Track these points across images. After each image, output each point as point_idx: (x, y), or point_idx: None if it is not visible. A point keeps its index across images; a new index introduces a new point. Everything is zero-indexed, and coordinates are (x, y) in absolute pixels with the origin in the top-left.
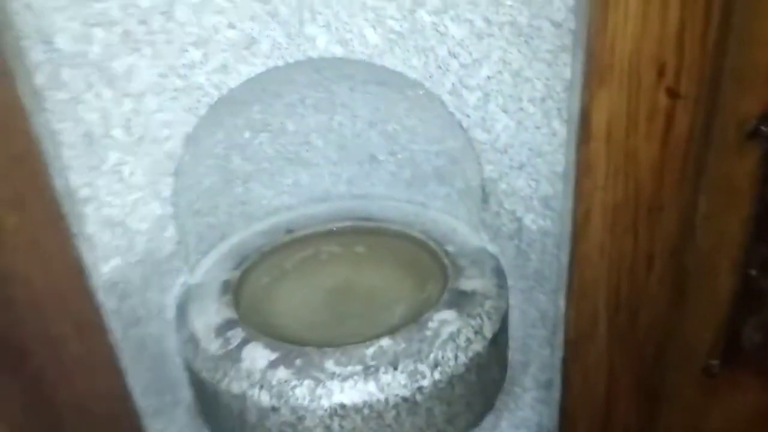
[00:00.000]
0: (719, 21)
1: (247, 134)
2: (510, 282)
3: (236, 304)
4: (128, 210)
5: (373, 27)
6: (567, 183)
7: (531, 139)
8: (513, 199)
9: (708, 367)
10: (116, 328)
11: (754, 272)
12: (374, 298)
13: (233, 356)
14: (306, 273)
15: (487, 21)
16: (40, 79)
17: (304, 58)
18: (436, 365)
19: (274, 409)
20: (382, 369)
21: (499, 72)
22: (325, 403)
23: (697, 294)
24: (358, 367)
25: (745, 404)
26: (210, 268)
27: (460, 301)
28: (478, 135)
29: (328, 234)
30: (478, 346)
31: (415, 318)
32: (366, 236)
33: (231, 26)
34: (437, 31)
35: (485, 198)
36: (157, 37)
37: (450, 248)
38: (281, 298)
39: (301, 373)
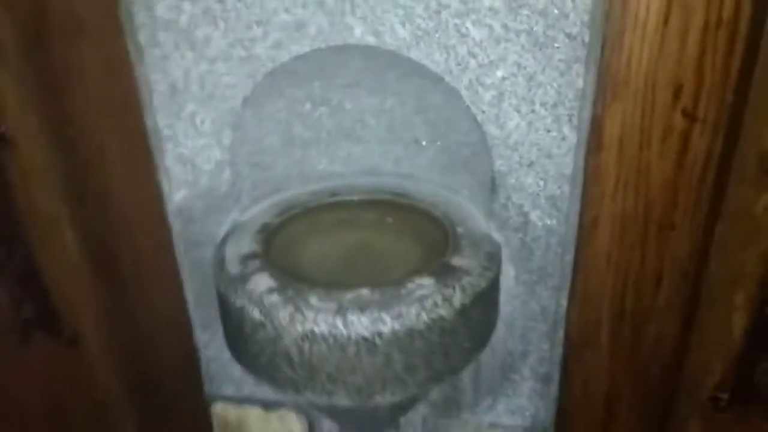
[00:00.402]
0: (743, 51)
1: (308, 106)
2: (513, 273)
3: (267, 242)
4: (197, 151)
5: (402, 23)
6: (574, 186)
7: (541, 141)
8: (521, 194)
9: (716, 399)
10: (179, 247)
11: None
12: (385, 260)
13: (244, 278)
14: (337, 231)
15: (505, 27)
16: (142, 37)
17: (342, 44)
18: (398, 317)
19: (262, 325)
20: (351, 310)
21: (514, 74)
22: (299, 327)
23: (708, 323)
24: (333, 305)
25: None
26: (258, 212)
27: (444, 272)
28: (491, 130)
29: (367, 203)
30: (442, 311)
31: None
32: (397, 210)
33: (286, 11)
34: (459, 31)
35: (494, 189)
36: (229, 14)
37: (460, 230)
38: (308, 246)
39: (287, 301)
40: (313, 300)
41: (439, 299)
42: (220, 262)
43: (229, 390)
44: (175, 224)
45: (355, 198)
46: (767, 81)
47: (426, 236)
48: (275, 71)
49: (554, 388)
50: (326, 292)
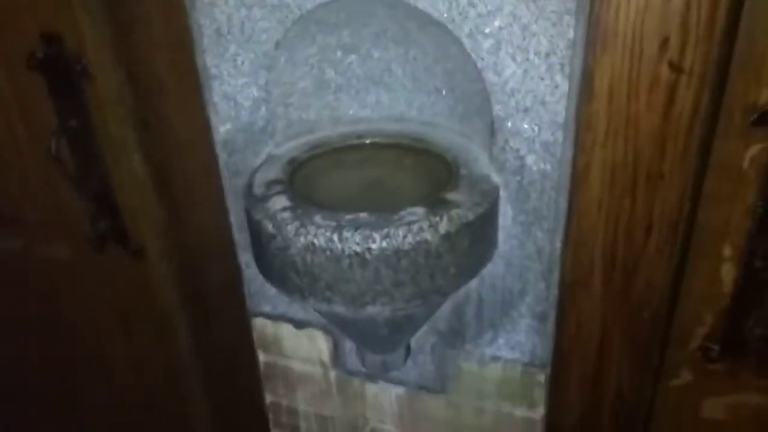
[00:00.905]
0: (728, 5)
1: (339, 53)
2: (510, 214)
3: (292, 172)
4: (238, 89)
5: None
6: (567, 133)
7: (535, 88)
8: (517, 139)
9: (706, 349)
10: (225, 175)
11: (758, 264)
12: (394, 194)
13: (265, 198)
14: (357, 168)
15: None
16: None
17: None
18: (386, 237)
19: (273, 237)
20: (347, 229)
21: (510, 24)
22: (303, 239)
23: (697, 274)
24: (332, 223)
25: (743, 397)
26: (290, 147)
27: (436, 204)
28: (490, 77)
29: (388, 146)
30: (427, 235)
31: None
32: (414, 153)
33: None
34: None
35: (493, 133)
36: None
37: (463, 171)
38: (328, 179)
39: (296, 218)
40: (317, 218)
41: (425, 225)
42: (249, 185)
43: (266, 307)
44: (221, 154)
45: (379, 141)
46: (752, 36)
47: (434, 176)
48: (303, 18)
49: (551, 327)
50: (330, 212)
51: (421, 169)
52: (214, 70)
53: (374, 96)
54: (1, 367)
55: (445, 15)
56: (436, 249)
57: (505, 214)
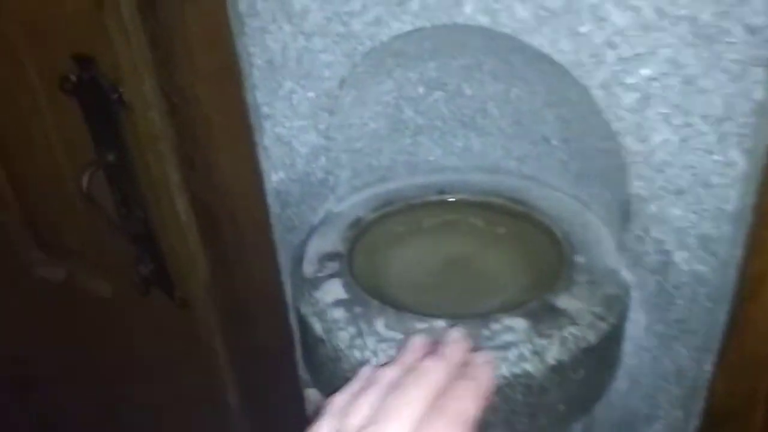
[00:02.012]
0: None
1: (421, 89)
2: (644, 322)
3: (354, 240)
4: (294, 133)
5: (522, 0)
6: (738, 228)
7: (697, 164)
8: (663, 228)
9: None
10: (277, 229)
11: None
12: (483, 280)
13: (315, 283)
14: (437, 236)
15: (660, 12)
16: (242, 6)
17: (450, 23)
18: None
19: (322, 341)
20: None
21: (666, 74)
22: (358, 354)
23: None
24: (399, 336)
25: None
26: (355, 203)
27: (543, 314)
28: (630, 143)
29: (478, 205)
30: (528, 366)
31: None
32: (512, 220)
33: None
34: (596, 14)
35: (628, 216)
36: None
37: (580, 259)
38: (399, 250)
39: (352, 321)
40: (380, 325)
41: (527, 350)
42: (298, 258)
43: None
44: (273, 206)
45: (466, 198)
46: None
47: (538, 258)
48: (375, 50)
49: None
50: (397, 317)
51: (519, 244)
52: (265, 109)
53: (462, 141)
54: (45, 400)
55: (571, 58)
56: (541, 384)
57: (636, 321)
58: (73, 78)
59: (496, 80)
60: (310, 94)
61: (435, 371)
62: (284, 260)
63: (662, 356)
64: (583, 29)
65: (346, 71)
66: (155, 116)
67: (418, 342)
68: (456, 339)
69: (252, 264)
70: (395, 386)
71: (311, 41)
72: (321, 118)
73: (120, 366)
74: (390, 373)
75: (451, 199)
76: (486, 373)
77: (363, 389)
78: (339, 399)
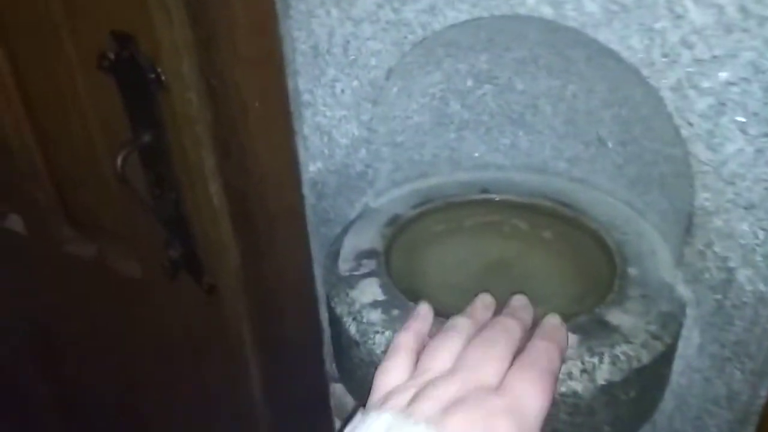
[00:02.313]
0: None
1: (469, 82)
2: (698, 340)
3: (392, 238)
4: (335, 123)
5: None
6: None
7: None
8: (727, 243)
9: None
10: (311, 221)
11: None
12: (527, 288)
13: (351, 282)
14: (479, 236)
15: (744, 11)
16: None
17: (510, 13)
18: None
19: (357, 344)
20: None
21: (746, 80)
22: None
23: None
24: None
25: None
26: (394, 198)
27: (594, 330)
28: (699, 151)
29: (522, 207)
30: (577, 386)
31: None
32: (559, 224)
33: None
34: (672, 11)
35: (690, 229)
36: None
37: (633, 271)
38: (439, 251)
39: (388, 324)
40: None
41: (576, 369)
42: (334, 253)
43: None
44: (309, 196)
45: (510, 199)
46: None
47: (587, 268)
48: (427, 40)
49: None
50: (435, 322)
51: (566, 250)
52: (307, 97)
53: (510, 137)
54: (71, 374)
55: (641, 56)
56: (589, 404)
57: (689, 339)
58: (111, 56)
59: (551, 75)
60: (354, 83)
61: (514, 329)
62: (317, 252)
63: (714, 378)
64: (657, 26)
65: (394, 61)
66: (193, 98)
67: (488, 299)
68: (523, 303)
69: (283, 255)
70: (478, 338)
71: (359, 28)
72: (364, 108)
73: (145, 347)
74: (465, 324)
75: (494, 199)
76: (561, 334)
77: (436, 334)
78: (405, 337)
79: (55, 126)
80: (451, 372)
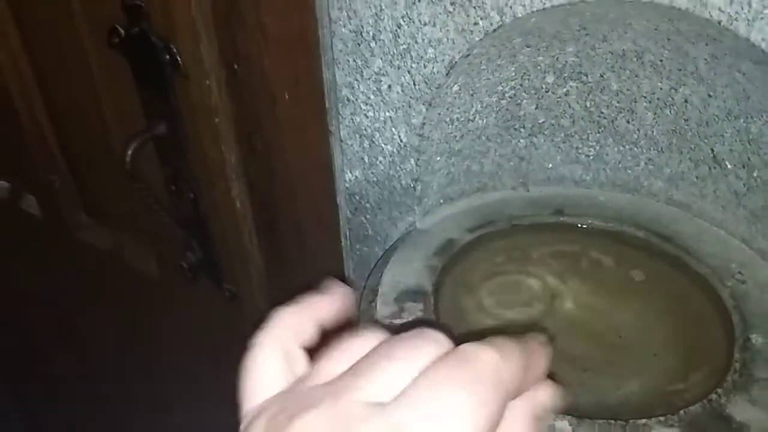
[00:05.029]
0: None
1: (549, 78)
2: None
3: (443, 272)
4: (379, 126)
5: None
6: None
7: None
8: None
9: None
10: (346, 236)
11: None
12: (612, 351)
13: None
14: (550, 272)
15: None
16: None
17: None
18: None
19: None
20: None
21: None
22: None
23: None
24: None
25: None
26: (446, 217)
27: (713, 429)
28: None
29: (606, 236)
30: None
31: (628, 413)
32: (655, 262)
33: None
34: None
35: None
36: None
37: (758, 338)
38: (499, 290)
39: None
40: None
41: None
42: (371, 291)
43: None
44: (344, 208)
45: (592, 224)
46: None
47: (692, 327)
48: (503, 28)
49: None
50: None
51: (664, 299)
52: (346, 92)
53: (595, 147)
54: (84, 372)
55: None
56: None
57: None
58: (122, 31)
59: (658, 75)
60: (405, 79)
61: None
62: (350, 271)
63: None
64: None
65: (458, 52)
66: (213, 85)
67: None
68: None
69: (312, 269)
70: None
71: (415, 9)
72: (415, 110)
73: (162, 344)
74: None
75: (571, 223)
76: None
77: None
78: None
79: (70, 109)
80: (329, 383)
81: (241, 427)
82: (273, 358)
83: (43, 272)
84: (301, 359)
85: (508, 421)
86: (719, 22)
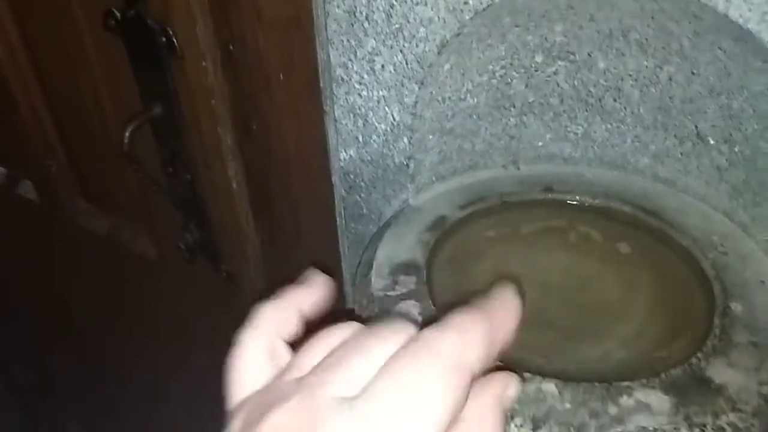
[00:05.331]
0: None
1: (538, 58)
2: None
3: (436, 247)
4: (373, 105)
5: None
6: None
7: None
8: None
9: None
10: (341, 214)
11: None
12: (600, 320)
13: (385, 303)
14: (539, 246)
15: None
16: None
17: None
18: None
19: None
20: (514, 416)
21: None
22: None
23: None
24: None
25: None
26: (438, 195)
27: (692, 391)
28: None
29: (594, 211)
30: None
31: (613, 377)
32: (641, 236)
33: None
34: None
35: None
36: None
37: (738, 307)
38: (490, 264)
39: None
40: None
41: None
42: (366, 266)
43: None
44: (339, 187)
45: (579, 200)
46: None
47: (675, 296)
48: (493, 6)
49: None
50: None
51: (649, 271)
52: (340, 72)
53: (583, 125)
54: (83, 358)
55: None
56: None
57: None
58: (118, 14)
59: (643, 53)
60: (398, 58)
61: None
62: (346, 249)
63: None
64: None
65: (449, 31)
66: (209, 66)
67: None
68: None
69: (308, 248)
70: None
71: None
72: (408, 88)
73: (161, 326)
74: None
75: (560, 200)
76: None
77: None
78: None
79: (66, 94)
80: (301, 378)
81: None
82: (256, 354)
83: (41, 257)
84: (285, 353)
85: (473, 411)
86: (697, 0)
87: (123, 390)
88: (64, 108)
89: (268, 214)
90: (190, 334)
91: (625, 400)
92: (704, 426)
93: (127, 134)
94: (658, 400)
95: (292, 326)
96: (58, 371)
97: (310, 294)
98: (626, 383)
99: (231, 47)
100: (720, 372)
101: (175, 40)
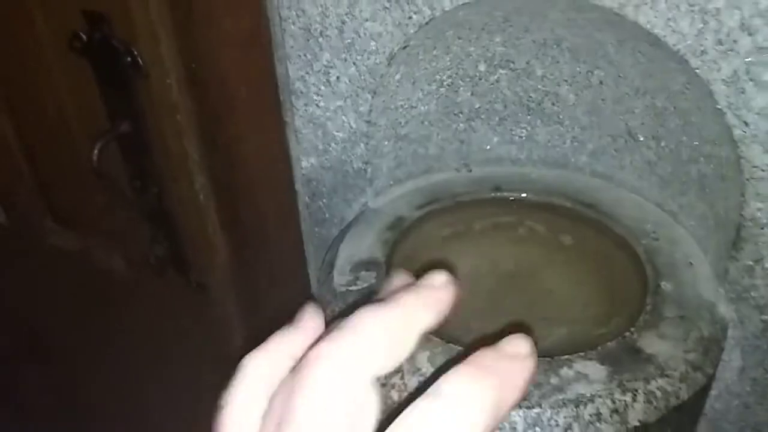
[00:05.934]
0: None
1: (482, 67)
2: (739, 364)
3: (394, 244)
4: (330, 115)
5: None
6: None
7: None
8: None
9: None
10: (306, 221)
11: None
12: (547, 305)
13: (347, 299)
14: (490, 241)
15: None
16: None
17: None
18: (535, 423)
19: None
20: None
21: None
22: (396, 396)
23: None
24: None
25: None
26: (396, 198)
27: (626, 360)
28: (755, 155)
29: (539, 207)
30: (608, 429)
31: (557, 354)
32: (582, 228)
33: None
34: None
35: (738, 242)
36: None
37: (668, 286)
38: (445, 256)
39: None
40: (422, 359)
41: (606, 409)
42: (329, 264)
43: None
44: (302, 194)
45: (526, 197)
46: None
47: (613, 280)
48: (434, 21)
49: None
50: (444, 350)
51: (589, 259)
52: (298, 85)
53: (526, 128)
54: (62, 371)
55: (690, 41)
56: None
57: (729, 363)
58: (84, 36)
59: (575, 60)
60: (352, 70)
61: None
62: (311, 254)
63: (755, 404)
64: (711, 6)
65: (397, 44)
66: (173, 84)
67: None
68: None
69: (275, 255)
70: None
71: (357, 6)
72: (362, 98)
73: (134, 342)
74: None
75: (508, 198)
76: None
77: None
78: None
79: (32, 115)
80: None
81: None
82: (245, 416)
83: (11, 278)
84: None
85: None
86: (611, 9)
87: (95, 402)
88: (32, 130)
89: (235, 224)
90: (162, 344)
91: (565, 372)
92: (636, 390)
93: (96, 151)
94: (595, 370)
95: (285, 372)
96: (28, 390)
97: (304, 337)
98: (566, 356)
99: (194, 65)
100: (651, 343)
101: (140, 60)
